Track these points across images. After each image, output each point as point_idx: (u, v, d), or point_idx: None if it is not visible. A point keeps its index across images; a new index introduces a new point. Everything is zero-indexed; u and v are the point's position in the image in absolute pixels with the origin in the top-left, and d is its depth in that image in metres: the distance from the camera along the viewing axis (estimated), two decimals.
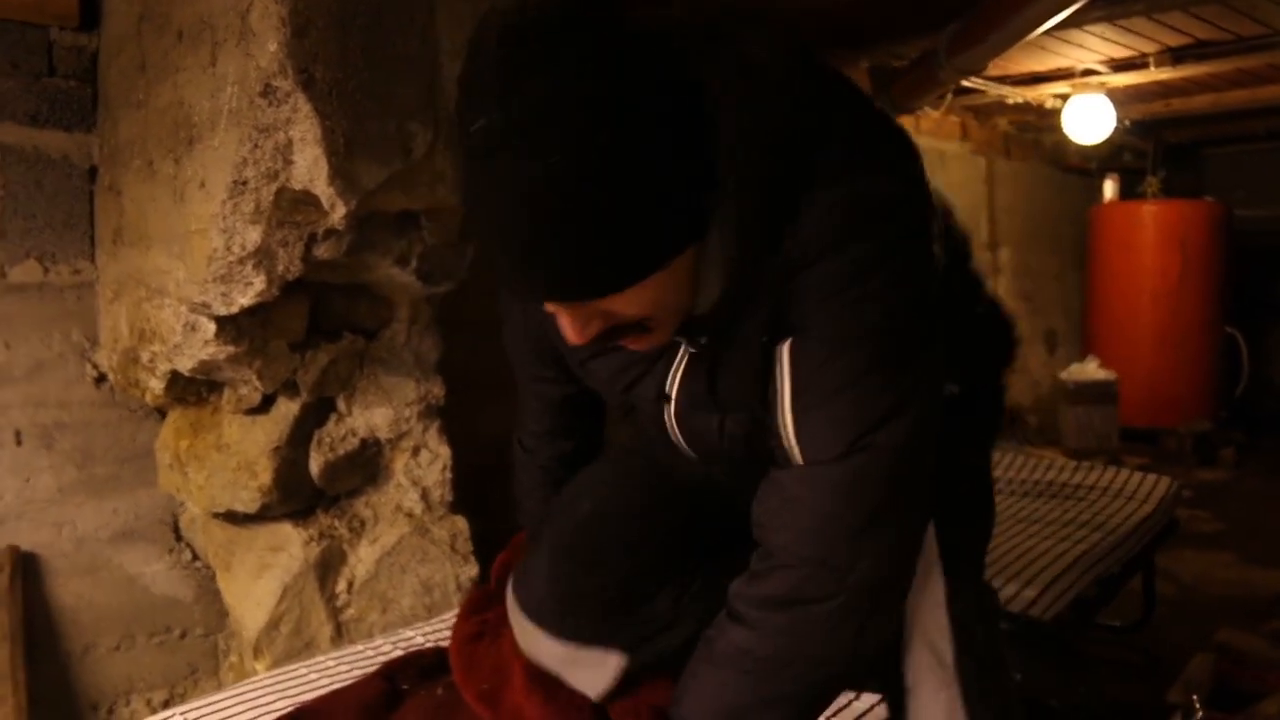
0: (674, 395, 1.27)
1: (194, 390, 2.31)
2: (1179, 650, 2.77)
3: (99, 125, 2.47)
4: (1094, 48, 4.12)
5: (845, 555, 1.10)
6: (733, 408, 1.24)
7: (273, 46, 1.61)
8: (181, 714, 1.66)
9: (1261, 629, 2.81)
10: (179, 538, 2.63)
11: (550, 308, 1.04)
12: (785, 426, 1.11)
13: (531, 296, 1.06)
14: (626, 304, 1.02)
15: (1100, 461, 4.01)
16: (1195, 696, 2.07)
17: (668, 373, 1.26)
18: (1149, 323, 5.89)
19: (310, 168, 1.69)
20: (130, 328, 2.26)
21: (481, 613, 1.77)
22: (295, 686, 1.77)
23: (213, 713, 1.66)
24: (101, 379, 2.51)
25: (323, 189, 1.69)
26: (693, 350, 1.21)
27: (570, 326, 1.04)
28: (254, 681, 1.81)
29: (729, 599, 1.18)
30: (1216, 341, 6.02)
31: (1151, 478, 2.80)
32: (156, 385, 2.25)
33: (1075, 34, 3.81)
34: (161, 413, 2.53)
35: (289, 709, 1.61)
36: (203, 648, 2.66)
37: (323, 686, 1.73)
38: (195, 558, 2.64)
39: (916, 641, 1.27)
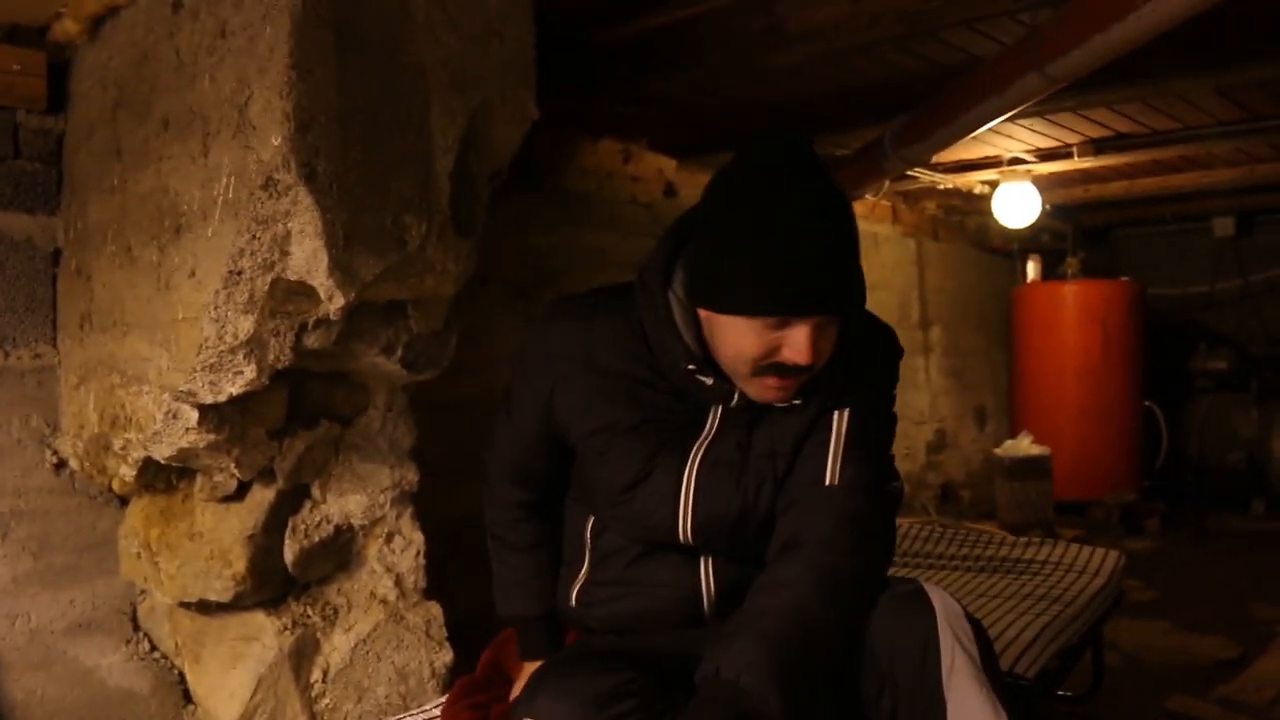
0: (699, 457, 1.54)
1: (164, 477, 2.28)
2: (1129, 717, 2.85)
3: (64, 208, 2.46)
4: (1022, 138, 4.34)
5: (869, 542, 1.51)
6: (758, 462, 1.54)
7: (276, 140, 1.64)
8: None
9: (1208, 695, 2.90)
10: (137, 628, 2.57)
11: (812, 323, 1.38)
12: (834, 464, 1.52)
13: (822, 305, 1.38)
14: (833, 337, 1.43)
15: (1037, 534, 4.13)
16: None
17: (696, 438, 1.55)
18: (1073, 398, 6.10)
19: (309, 259, 1.71)
20: (100, 414, 2.23)
21: (472, 696, 1.77)
22: None
23: None
24: (61, 465, 2.47)
25: (321, 280, 1.71)
26: (736, 408, 1.53)
27: (810, 344, 1.38)
28: None
29: (769, 584, 1.46)
30: (1137, 415, 6.25)
31: (1100, 551, 2.90)
32: (127, 472, 2.22)
33: (1006, 126, 4.01)
34: (123, 500, 2.49)
35: None
36: None
37: None
38: (154, 648, 2.57)
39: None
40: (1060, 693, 2.81)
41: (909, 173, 4.44)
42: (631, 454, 1.55)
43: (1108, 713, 2.90)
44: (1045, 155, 4.60)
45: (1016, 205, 4.93)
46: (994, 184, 5.06)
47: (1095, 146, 4.38)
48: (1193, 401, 6.59)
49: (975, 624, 1.47)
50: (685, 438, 1.55)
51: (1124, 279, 6.44)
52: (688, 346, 1.50)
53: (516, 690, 1.70)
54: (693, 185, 4.44)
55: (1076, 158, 4.45)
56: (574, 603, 1.70)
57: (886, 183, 4.24)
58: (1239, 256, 6.98)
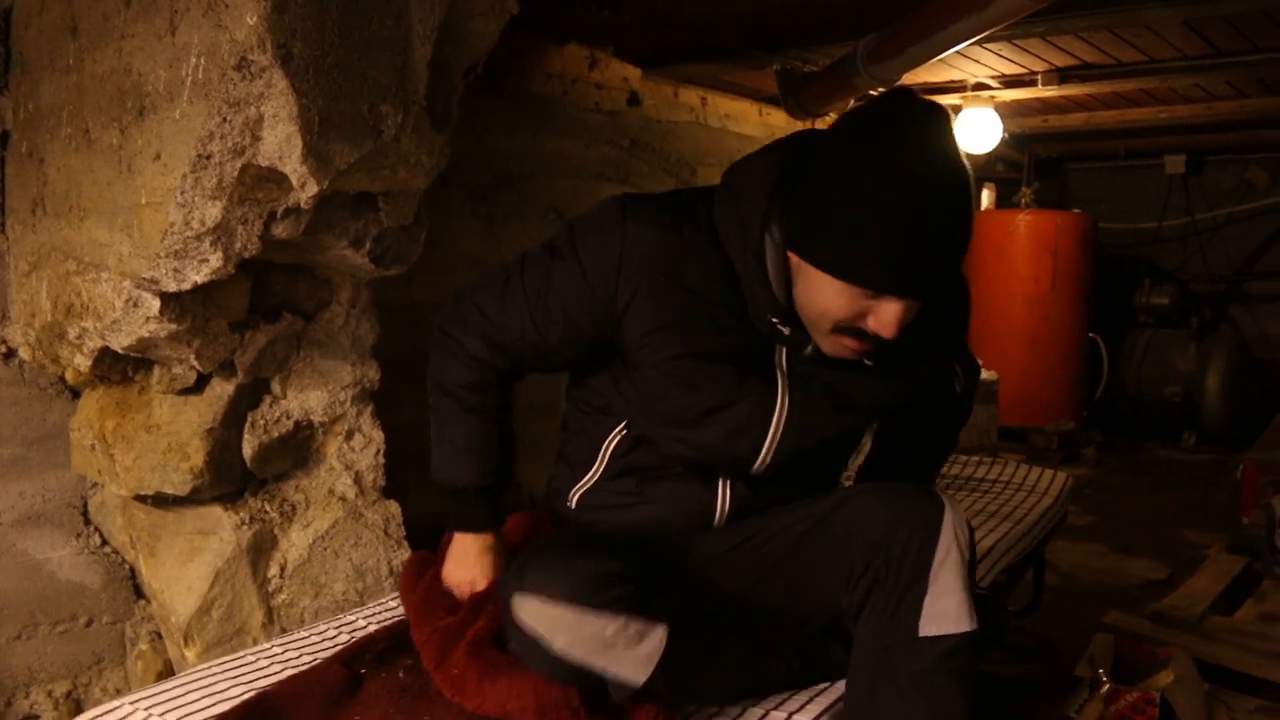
0: (788, 394, 1.53)
1: (120, 369, 2.23)
2: (1066, 632, 2.95)
3: (12, 88, 2.36)
4: (989, 63, 4.33)
5: None
6: (840, 410, 1.57)
7: (251, 19, 1.58)
8: (131, 703, 1.61)
9: (1141, 612, 3.01)
10: (88, 521, 2.54)
11: (904, 304, 1.36)
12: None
13: (927, 291, 1.37)
14: (916, 311, 1.39)
15: (983, 457, 4.21)
16: (1100, 670, 2.23)
17: (782, 373, 1.53)
18: (1021, 326, 6.19)
19: (282, 145, 1.66)
20: (54, 302, 2.17)
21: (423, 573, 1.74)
22: (246, 672, 1.74)
23: (163, 701, 1.61)
24: (10, 354, 2.40)
25: (294, 167, 1.67)
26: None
27: (899, 321, 1.36)
28: (202, 669, 1.76)
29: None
30: (1081, 346, 6.37)
31: (1049, 473, 2.96)
32: (82, 362, 2.17)
33: (973, 49, 3.99)
34: (74, 392, 2.44)
35: (242, 696, 1.59)
36: (109, 636, 2.57)
37: (273, 673, 1.70)
38: (104, 542, 2.54)
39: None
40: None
41: (874, 92, 4.42)
42: (717, 382, 1.51)
43: (1046, 626, 3.00)
44: (1010, 81, 4.60)
45: (978, 131, 4.93)
46: (956, 109, 5.05)
47: (1060, 75, 4.38)
48: (1134, 335, 6.73)
49: (971, 533, 1.50)
50: (769, 371, 1.53)
51: (1076, 211, 6.50)
52: (773, 294, 1.46)
53: (448, 566, 1.67)
54: (657, 95, 4.38)
55: (1040, 85, 4.45)
56: (572, 504, 1.69)
57: (852, 101, 4.21)
58: (1187, 195, 7.09)
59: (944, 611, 1.43)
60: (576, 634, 1.33)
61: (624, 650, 1.34)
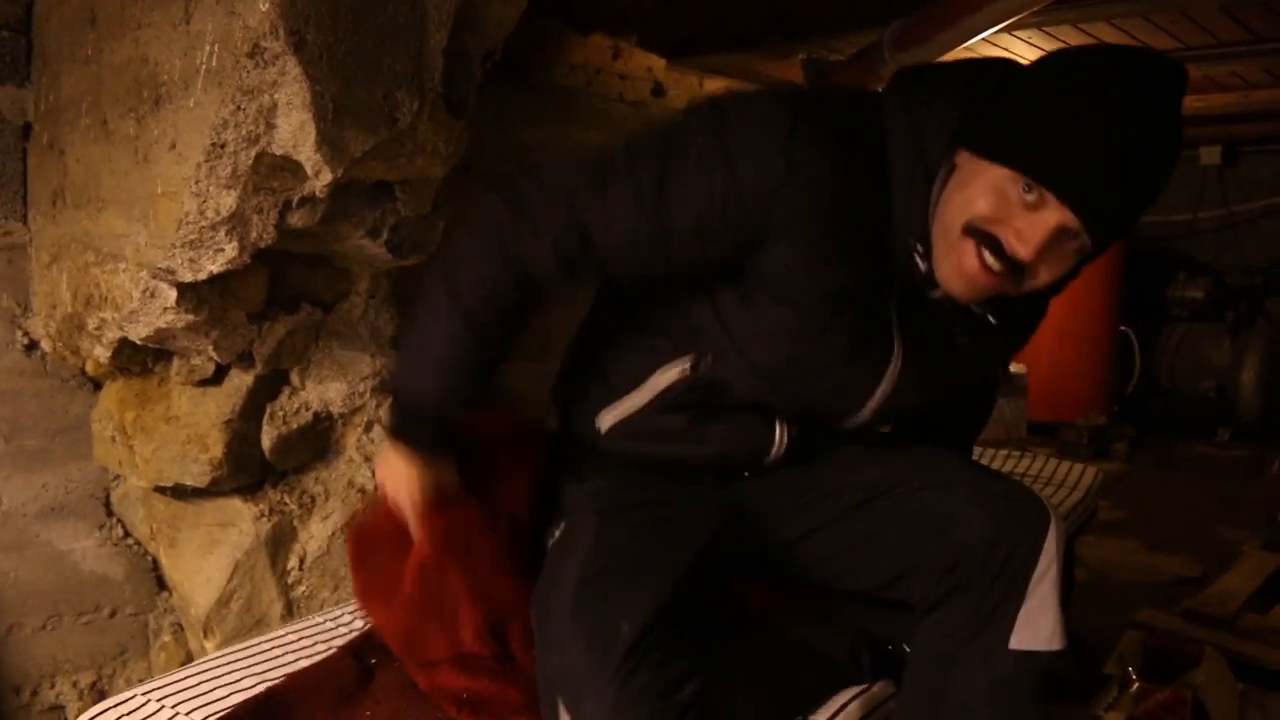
0: (901, 357, 1.43)
1: (139, 360, 2.23)
2: (1096, 629, 2.90)
3: (35, 80, 2.36)
4: (1019, 52, 4.26)
5: None
6: (940, 378, 1.50)
7: (264, 6, 1.57)
8: (145, 693, 1.61)
9: (1173, 609, 2.96)
10: (110, 513, 2.54)
11: (1058, 220, 1.20)
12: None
13: (1085, 198, 1.19)
14: (1067, 262, 1.29)
15: (1011, 450, 4.15)
16: (1130, 668, 2.18)
17: (898, 330, 1.42)
18: (1051, 319, 5.91)
19: (296, 132, 1.65)
20: (74, 293, 2.17)
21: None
22: (259, 662, 1.73)
23: (177, 690, 1.61)
24: (32, 346, 2.41)
25: (308, 155, 1.65)
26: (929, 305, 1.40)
27: (1041, 240, 1.21)
28: (216, 657, 1.76)
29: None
30: (1113, 340, 6.28)
31: (1079, 467, 2.91)
32: (102, 353, 2.17)
33: (1002, 38, 3.93)
34: (96, 383, 2.44)
35: (255, 685, 1.58)
36: (132, 627, 2.57)
37: (287, 662, 1.70)
38: (127, 534, 2.55)
39: None
40: None
41: None
42: (845, 333, 1.39)
43: (1076, 623, 2.95)
44: None
45: None
46: None
47: None
48: (1168, 329, 6.63)
49: (1071, 549, 1.47)
50: (886, 328, 1.42)
51: None
52: (924, 221, 1.31)
53: (385, 477, 1.53)
54: (681, 86, 4.34)
55: None
56: (602, 426, 1.54)
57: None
58: (1223, 186, 6.97)
59: (1038, 628, 1.37)
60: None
61: None
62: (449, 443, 1.52)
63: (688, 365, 1.45)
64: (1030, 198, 1.21)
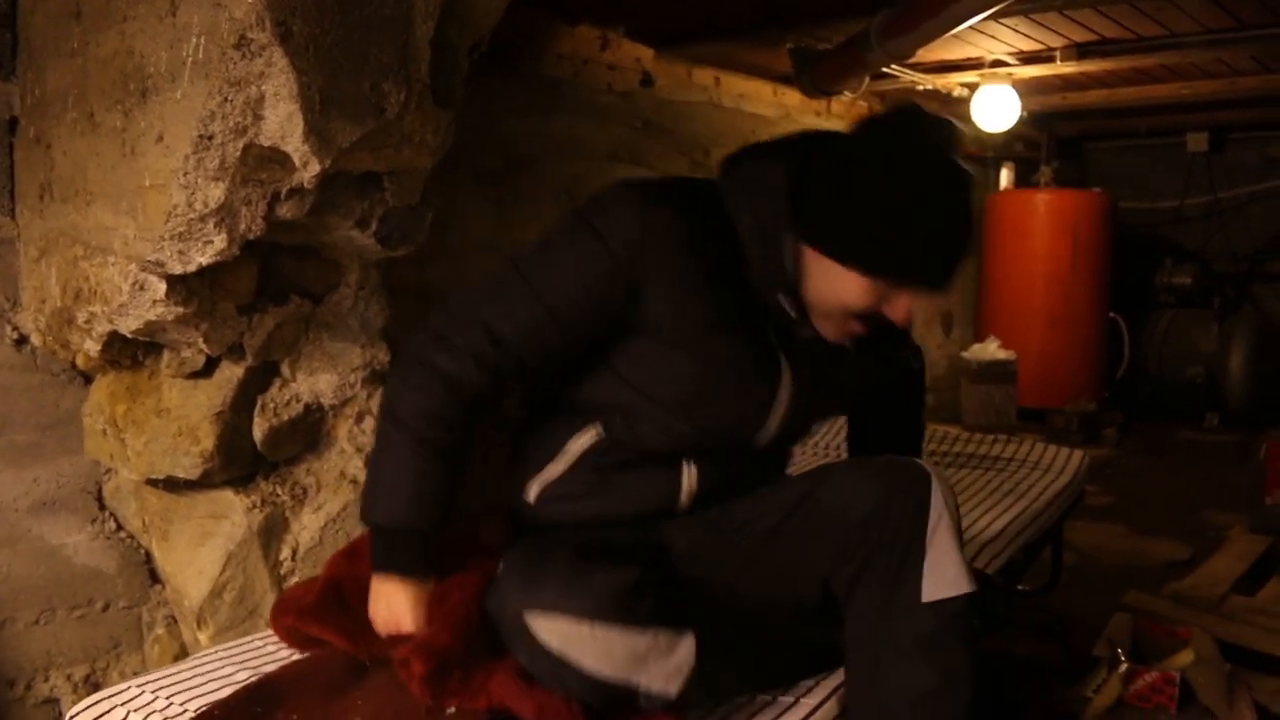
0: (790, 371, 1.59)
1: (129, 353, 2.23)
2: (1085, 612, 2.93)
3: (20, 74, 2.35)
4: (1006, 39, 4.27)
5: None
6: (830, 390, 1.67)
7: None
8: (139, 685, 1.62)
9: (1161, 592, 2.98)
10: (102, 507, 2.54)
11: (928, 297, 1.46)
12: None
13: (947, 280, 1.45)
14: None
15: (999, 435, 4.18)
16: (1119, 650, 2.20)
17: (786, 351, 1.59)
18: (1040, 307, 6.15)
19: (283, 124, 1.65)
20: (63, 287, 2.17)
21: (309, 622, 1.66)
22: (254, 656, 1.75)
23: (172, 684, 1.62)
24: (22, 341, 2.41)
25: (296, 146, 1.66)
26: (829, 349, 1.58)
27: (909, 311, 1.46)
28: (209, 652, 1.78)
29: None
30: (1101, 326, 6.31)
31: (1065, 450, 2.93)
32: (92, 347, 2.17)
33: (990, 25, 3.94)
34: (86, 377, 2.44)
35: (249, 678, 1.59)
36: (126, 620, 2.57)
37: (281, 657, 1.71)
38: (120, 527, 2.55)
39: None
40: (1020, 587, 2.88)
41: (888, 70, 4.38)
42: (733, 355, 1.55)
43: (1065, 606, 2.98)
44: (1027, 58, 4.55)
45: (995, 108, 4.89)
46: (973, 87, 5.00)
47: (1078, 51, 4.32)
48: (1156, 315, 6.67)
49: (955, 497, 1.52)
50: (771, 350, 1.58)
51: (1096, 190, 6.44)
52: (791, 283, 1.51)
53: (373, 608, 1.59)
54: (670, 76, 4.35)
55: (1059, 61, 4.40)
56: (530, 497, 1.67)
57: (866, 79, 4.18)
58: (1210, 173, 6.99)
59: (944, 576, 1.47)
60: (606, 651, 1.32)
61: (656, 663, 1.34)
62: (433, 564, 1.60)
63: (601, 428, 1.61)
64: (899, 286, 1.44)
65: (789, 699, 1.58)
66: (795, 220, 1.46)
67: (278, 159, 1.72)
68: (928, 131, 1.44)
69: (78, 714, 1.56)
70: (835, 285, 1.45)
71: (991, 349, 5.50)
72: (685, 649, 1.37)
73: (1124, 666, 2.19)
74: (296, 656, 1.67)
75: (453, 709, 1.40)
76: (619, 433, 1.60)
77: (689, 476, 1.64)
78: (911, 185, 1.40)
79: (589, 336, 1.54)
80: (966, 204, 1.43)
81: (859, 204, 1.41)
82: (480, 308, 1.53)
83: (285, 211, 1.83)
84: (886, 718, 1.49)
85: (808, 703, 1.57)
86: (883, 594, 1.49)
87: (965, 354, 5.64)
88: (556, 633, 1.32)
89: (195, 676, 1.65)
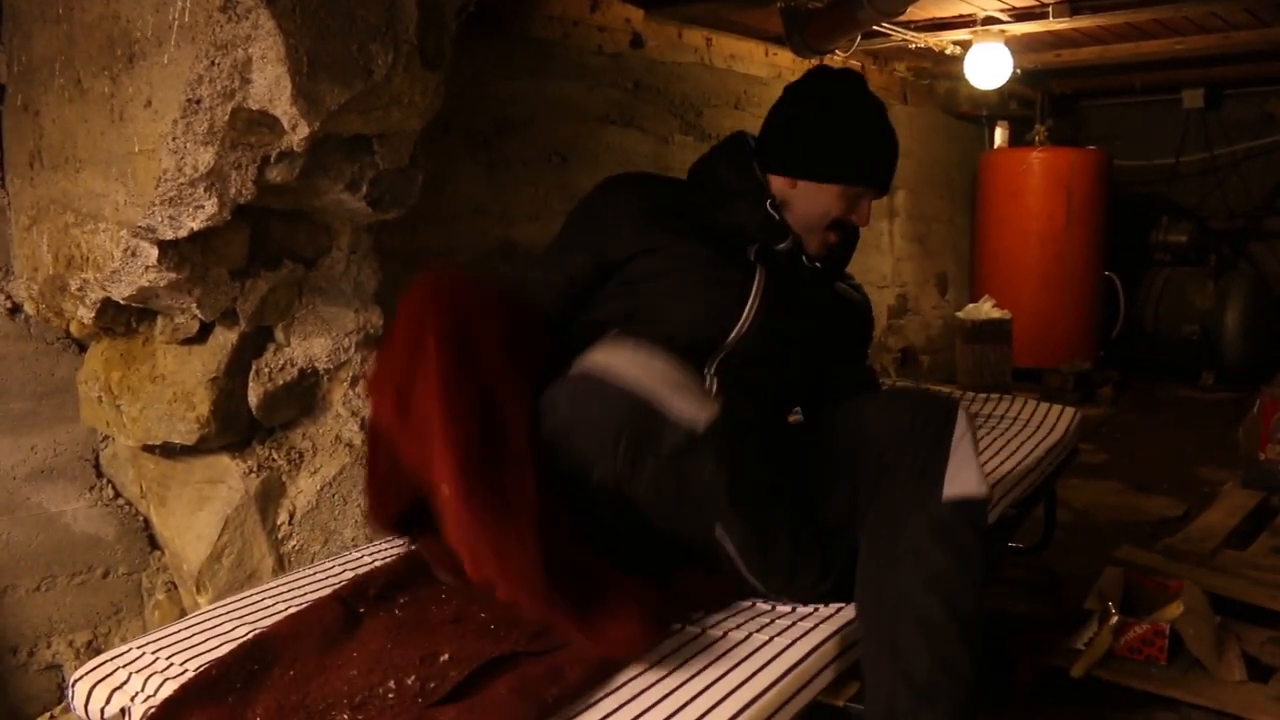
0: (760, 289, 1.83)
1: (123, 320, 2.24)
2: (1079, 569, 2.95)
3: (6, 41, 2.34)
4: (985, 7, 4.24)
5: None
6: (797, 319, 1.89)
7: None
8: (140, 646, 1.64)
9: (1154, 547, 3.01)
10: (100, 474, 2.56)
11: (873, 198, 1.85)
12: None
13: (886, 181, 1.87)
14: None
15: (991, 394, 4.19)
16: (1110, 603, 2.22)
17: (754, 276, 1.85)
18: (1035, 266, 6.13)
19: (271, 87, 1.65)
20: (55, 255, 2.17)
21: None
22: (254, 613, 1.76)
23: (173, 643, 1.63)
24: (15, 310, 2.41)
25: (284, 109, 1.66)
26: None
27: (869, 213, 1.87)
28: (208, 611, 1.79)
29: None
30: (1097, 285, 6.30)
31: (1057, 408, 2.94)
32: (85, 314, 2.17)
33: None
34: (81, 345, 2.45)
35: (247, 636, 1.60)
36: (126, 586, 2.60)
37: (278, 612, 1.72)
38: (117, 495, 2.57)
39: None
40: (1012, 544, 2.90)
41: (880, 29, 4.35)
42: (705, 272, 1.82)
43: (1058, 563, 3.00)
44: (1020, 15, 4.51)
45: (988, 66, 4.86)
46: (966, 44, 4.97)
47: (1071, 6, 4.29)
48: (1151, 273, 6.65)
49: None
50: (748, 275, 1.86)
51: (1091, 148, 6.41)
52: (777, 221, 1.85)
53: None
54: (660, 37, 4.32)
55: (1052, 17, 4.37)
56: None
57: (858, 38, 4.16)
58: (1206, 130, 6.96)
59: (963, 479, 1.60)
60: (647, 365, 1.46)
61: (691, 393, 1.47)
62: None
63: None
64: (860, 193, 1.84)
65: (785, 640, 1.59)
66: (777, 167, 1.86)
67: (266, 122, 1.72)
68: (844, 78, 1.89)
69: (81, 677, 1.57)
70: (818, 200, 1.83)
71: (986, 308, 5.50)
72: (715, 403, 1.50)
73: (1114, 619, 2.21)
74: (292, 610, 1.69)
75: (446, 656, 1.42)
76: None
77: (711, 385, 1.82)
78: (854, 118, 1.83)
79: (612, 262, 1.84)
80: (890, 125, 1.87)
81: (823, 139, 1.82)
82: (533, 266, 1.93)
83: (275, 175, 1.84)
84: (901, 601, 1.57)
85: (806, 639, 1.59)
86: (904, 492, 1.61)
87: (959, 313, 5.64)
88: (603, 351, 1.49)
89: (196, 635, 1.65)
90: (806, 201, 1.85)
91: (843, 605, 1.70)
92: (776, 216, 1.85)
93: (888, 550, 1.61)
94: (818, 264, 1.92)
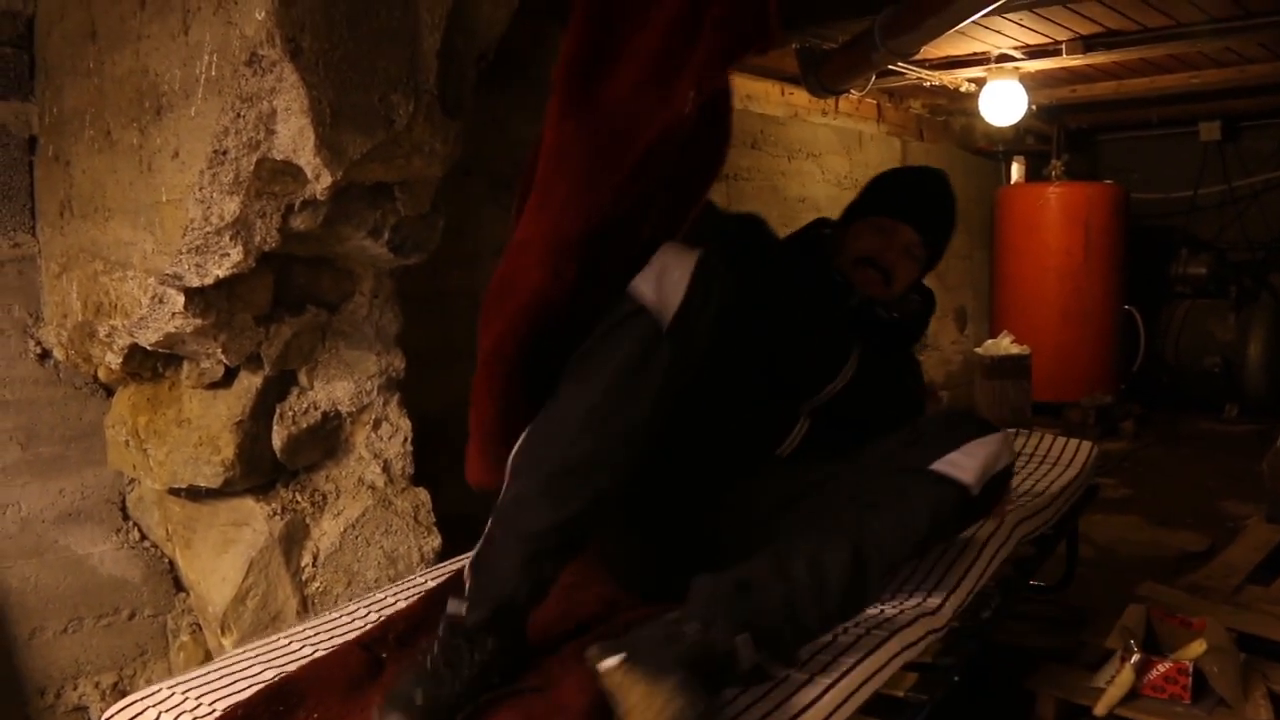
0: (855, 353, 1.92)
1: (150, 365, 2.28)
2: (1102, 605, 2.93)
3: (38, 94, 2.40)
4: (1011, 34, 4.28)
5: None
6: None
7: (260, 15, 1.61)
8: (169, 687, 1.66)
9: (1177, 583, 2.98)
10: (126, 517, 2.59)
11: (904, 239, 1.98)
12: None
13: (913, 220, 1.99)
14: (914, 266, 2.03)
15: (1010, 430, 4.18)
16: (1133, 641, 2.21)
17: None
18: (1054, 300, 6.13)
19: (295, 138, 1.69)
20: (84, 302, 2.22)
21: None
22: (280, 656, 1.78)
23: (201, 685, 1.66)
24: (45, 355, 2.45)
25: (308, 159, 1.70)
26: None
27: (897, 251, 1.98)
28: (236, 654, 1.81)
29: None
30: (1117, 319, 6.29)
31: (1074, 442, 2.94)
32: (113, 360, 2.22)
33: (995, 20, 3.95)
34: (108, 390, 2.49)
35: (273, 678, 1.62)
36: (151, 629, 2.62)
37: (303, 656, 1.74)
38: (144, 537, 2.60)
39: None
40: (1033, 582, 2.89)
41: (895, 68, 4.39)
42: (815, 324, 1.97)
43: (1081, 600, 2.98)
44: (1034, 52, 4.55)
45: (1003, 103, 4.89)
46: (981, 82, 5.01)
47: (1085, 44, 4.32)
48: (1171, 306, 6.63)
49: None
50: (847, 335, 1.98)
51: (1108, 182, 6.42)
52: (835, 269, 2.00)
53: None
54: None
55: (1065, 55, 4.40)
56: None
57: (873, 77, 4.20)
58: (1224, 162, 6.96)
59: (960, 466, 1.63)
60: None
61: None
62: None
63: None
64: (886, 226, 1.99)
65: (803, 675, 1.58)
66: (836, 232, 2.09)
67: (290, 172, 1.76)
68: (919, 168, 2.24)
69: (112, 716, 1.60)
70: (853, 241, 2.00)
71: (1005, 344, 5.49)
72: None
73: (1137, 657, 2.19)
74: (322, 653, 1.71)
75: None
76: None
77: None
78: (891, 173, 2.18)
79: None
80: (935, 176, 2.10)
81: (872, 190, 2.08)
82: None
83: (299, 223, 1.87)
84: (823, 531, 1.59)
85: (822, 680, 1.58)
86: (901, 442, 1.72)
87: (978, 349, 5.64)
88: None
89: (224, 676, 1.68)
90: (846, 247, 2.01)
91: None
92: (839, 280, 1.98)
93: (849, 483, 1.70)
94: (895, 314, 2.04)
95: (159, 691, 1.63)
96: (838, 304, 1.99)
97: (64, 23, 2.25)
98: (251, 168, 1.74)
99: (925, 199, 2.06)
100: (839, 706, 1.52)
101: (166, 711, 1.56)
